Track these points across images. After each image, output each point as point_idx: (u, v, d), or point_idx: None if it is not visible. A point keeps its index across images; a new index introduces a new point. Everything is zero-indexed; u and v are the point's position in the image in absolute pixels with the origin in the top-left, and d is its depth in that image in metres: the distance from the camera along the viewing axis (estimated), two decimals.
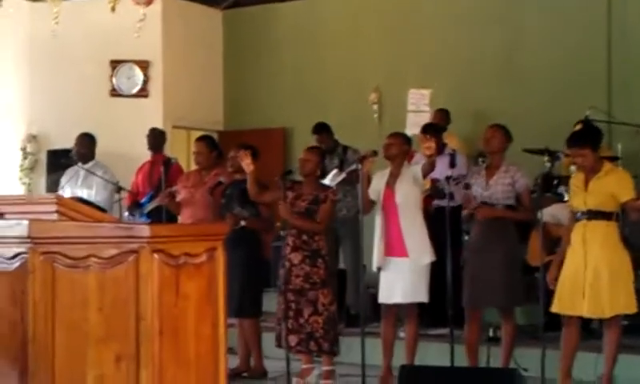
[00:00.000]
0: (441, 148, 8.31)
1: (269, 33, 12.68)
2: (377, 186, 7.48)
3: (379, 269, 7.45)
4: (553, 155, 8.13)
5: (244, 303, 7.83)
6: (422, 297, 7.36)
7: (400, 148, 7.48)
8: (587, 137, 6.81)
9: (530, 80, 10.78)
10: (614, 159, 9.13)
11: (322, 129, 9.43)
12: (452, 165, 7.42)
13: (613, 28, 10.34)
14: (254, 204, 7.86)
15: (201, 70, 12.72)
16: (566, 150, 7.21)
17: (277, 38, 12.62)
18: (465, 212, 7.56)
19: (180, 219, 8.42)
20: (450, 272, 7.27)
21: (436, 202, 8.45)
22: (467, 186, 7.36)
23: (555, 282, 6.76)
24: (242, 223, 7.83)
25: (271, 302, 8.08)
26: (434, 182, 8.15)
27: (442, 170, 7.65)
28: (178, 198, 8.46)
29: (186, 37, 12.48)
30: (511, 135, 7.37)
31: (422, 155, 7.65)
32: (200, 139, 8.89)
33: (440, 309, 7.71)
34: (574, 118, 8.88)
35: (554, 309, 6.73)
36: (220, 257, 4.24)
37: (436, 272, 7.46)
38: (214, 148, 8.56)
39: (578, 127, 8.21)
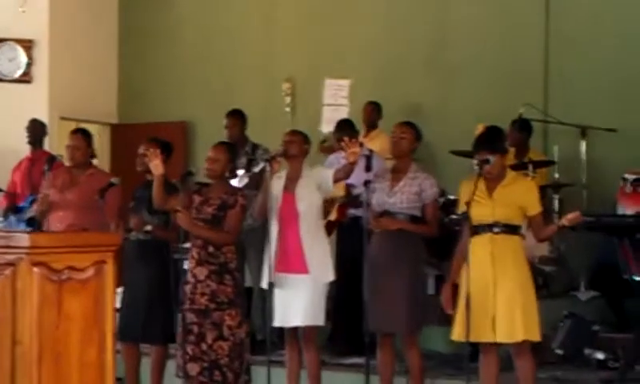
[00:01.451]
0: None
1: (170, 13, 12.66)
2: (273, 191, 7.32)
3: (271, 285, 7.24)
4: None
5: (150, 326, 7.64)
6: (321, 319, 7.26)
7: (300, 147, 7.38)
8: (496, 139, 6.66)
9: (460, 73, 10.84)
10: (549, 163, 9.29)
11: (235, 114, 9.19)
12: (368, 168, 7.38)
13: (551, 18, 10.42)
14: (166, 211, 7.59)
15: (93, 54, 12.62)
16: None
17: (179, 19, 12.61)
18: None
19: (46, 225, 7.83)
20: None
21: (352, 212, 8.40)
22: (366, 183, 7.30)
23: (451, 305, 6.56)
24: (148, 228, 7.68)
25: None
26: (349, 187, 8.17)
27: (356, 173, 7.57)
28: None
29: (76, 14, 12.36)
30: (421, 134, 7.30)
31: (342, 158, 7.62)
32: (77, 132, 8.45)
33: (355, 334, 7.72)
34: (506, 117, 8.97)
35: (457, 336, 6.46)
36: (109, 271, 4.28)
37: (352, 293, 7.46)
38: (90, 144, 8.24)
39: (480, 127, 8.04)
